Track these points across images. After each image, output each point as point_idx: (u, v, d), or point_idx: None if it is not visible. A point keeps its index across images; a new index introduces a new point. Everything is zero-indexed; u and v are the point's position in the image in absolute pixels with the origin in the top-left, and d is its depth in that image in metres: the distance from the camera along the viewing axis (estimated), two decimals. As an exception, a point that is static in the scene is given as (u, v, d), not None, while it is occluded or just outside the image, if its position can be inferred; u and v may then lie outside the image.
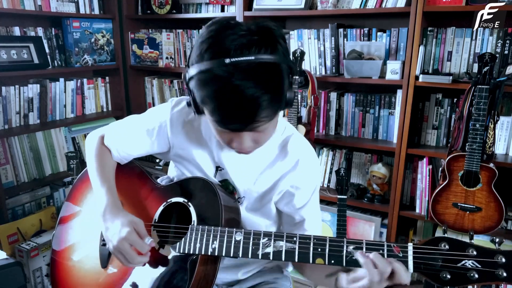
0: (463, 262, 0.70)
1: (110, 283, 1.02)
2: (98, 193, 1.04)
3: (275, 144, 1.04)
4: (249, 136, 0.85)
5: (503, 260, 0.68)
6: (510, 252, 0.68)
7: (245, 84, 0.74)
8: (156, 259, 0.96)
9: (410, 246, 0.74)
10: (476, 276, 0.68)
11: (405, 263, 0.73)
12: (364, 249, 0.76)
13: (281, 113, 0.88)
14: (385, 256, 0.74)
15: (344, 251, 0.77)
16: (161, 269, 0.95)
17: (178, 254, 0.93)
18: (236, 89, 0.75)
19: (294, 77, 0.85)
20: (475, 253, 0.70)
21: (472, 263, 0.69)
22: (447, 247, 0.71)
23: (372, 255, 0.75)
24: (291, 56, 0.86)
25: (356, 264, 0.76)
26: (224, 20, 0.80)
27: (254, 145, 0.89)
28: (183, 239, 0.93)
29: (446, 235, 0.74)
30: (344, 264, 0.77)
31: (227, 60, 0.74)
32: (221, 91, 0.76)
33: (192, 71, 0.79)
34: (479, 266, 0.69)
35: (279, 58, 0.78)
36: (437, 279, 0.71)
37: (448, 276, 0.70)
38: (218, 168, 1.07)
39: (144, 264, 0.96)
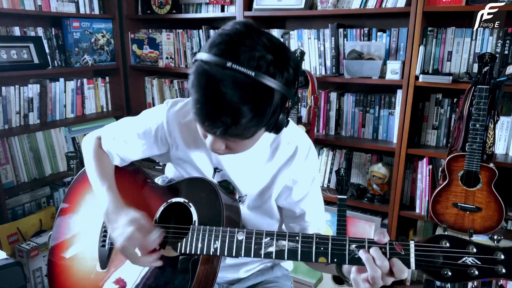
0: (464, 259, 0.71)
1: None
2: (99, 193, 1.03)
3: (271, 138, 1.03)
4: (221, 140, 0.84)
5: (502, 256, 0.70)
6: (509, 249, 0.70)
7: (231, 94, 0.73)
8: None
9: (412, 244, 0.75)
10: (476, 272, 0.70)
11: (407, 261, 0.74)
12: (366, 248, 0.77)
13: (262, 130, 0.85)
14: (387, 254, 0.75)
15: (347, 250, 0.78)
16: (162, 270, 0.95)
17: (179, 254, 0.93)
18: (219, 95, 0.73)
19: (290, 105, 0.84)
20: (475, 250, 0.71)
21: (472, 260, 0.71)
22: (448, 244, 0.73)
23: (372, 250, 0.75)
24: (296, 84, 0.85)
25: (358, 262, 0.77)
26: (252, 27, 0.79)
27: (226, 150, 0.88)
28: (184, 239, 0.93)
29: (446, 233, 0.76)
30: (346, 262, 0.78)
31: (229, 64, 0.73)
32: (207, 89, 0.75)
33: (198, 55, 0.78)
34: (479, 262, 0.71)
35: (279, 86, 0.76)
36: (438, 276, 0.73)
37: (449, 273, 0.72)
38: (216, 170, 1.06)
39: (152, 265, 0.95)
